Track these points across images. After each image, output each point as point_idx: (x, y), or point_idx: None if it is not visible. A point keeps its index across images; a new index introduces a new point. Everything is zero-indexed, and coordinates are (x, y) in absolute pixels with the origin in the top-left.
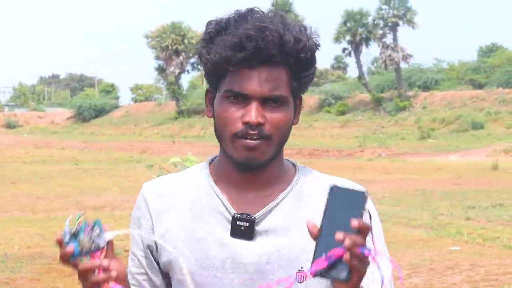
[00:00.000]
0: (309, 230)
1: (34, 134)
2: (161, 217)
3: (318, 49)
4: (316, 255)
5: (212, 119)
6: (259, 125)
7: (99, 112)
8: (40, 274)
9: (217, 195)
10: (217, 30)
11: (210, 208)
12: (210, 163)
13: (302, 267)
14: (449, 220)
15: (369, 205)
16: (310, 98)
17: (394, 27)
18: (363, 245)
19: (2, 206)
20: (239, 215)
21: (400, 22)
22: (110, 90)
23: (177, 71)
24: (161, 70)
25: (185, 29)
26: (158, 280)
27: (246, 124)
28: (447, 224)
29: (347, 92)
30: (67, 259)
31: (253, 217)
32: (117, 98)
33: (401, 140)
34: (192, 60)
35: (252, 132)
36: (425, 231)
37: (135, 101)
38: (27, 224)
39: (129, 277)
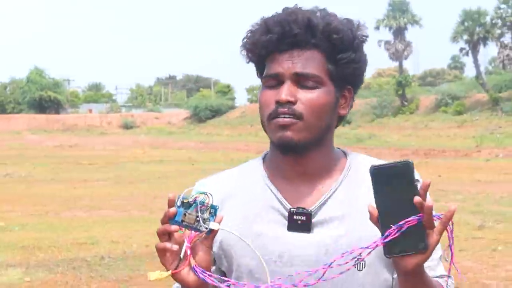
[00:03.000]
0: (369, 213)
1: (150, 135)
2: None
3: (363, 39)
4: (383, 234)
5: None
6: (289, 103)
7: (215, 112)
8: None
9: (271, 191)
10: (255, 29)
11: (266, 204)
12: (264, 158)
13: (360, 255)
14: None
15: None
16: (426, 98)
17: None
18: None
19: (120, 206)
20: (295, 210)
21: None
22: (226, 91)
23: None
24: None
25: None
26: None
27: (277, 103)
28: None
29: (464, 92)
30: (165, 221)
31: (309, 211)
32: (233, 99)
33: None
34: None
35: (283, 109)
36: None
37: (251, 101)
38: (145, 223)
39: None
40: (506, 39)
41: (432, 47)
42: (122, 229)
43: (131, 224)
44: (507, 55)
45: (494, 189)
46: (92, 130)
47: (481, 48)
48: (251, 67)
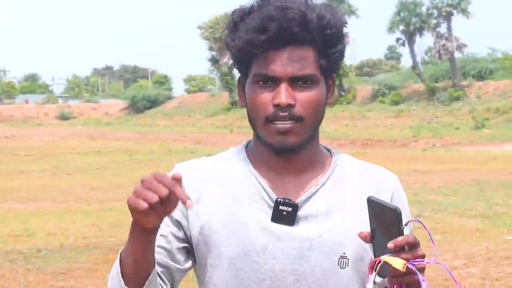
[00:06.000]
0: (361, 238)
1: (88, 126)
2: (200, 198)
3: (345, 26)
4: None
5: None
6: (289, 106)
7: (153, 103)
8: (96, 264)
9: (257, 180)
10: (241, 17)
11: (251, 192)
12: (246, 147)
13: (344, 253)
14: (505, 209)
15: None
16: (363, 88)
17: (448, 17)
18: (409, 259)
19: (57, 197)
20: (282, 200)
21: (454, 12)
22: (163, 81)
23: (230, 61)
24: (214, 61)
25: None
26: (181, 258)
27: (277, 106)
28: (503, 213)
29: (401, 82)
30: None
31: (296, 202)
32: (170, 89)
33: (456, 130)
34: None
35: (283, 114)
36: (481, 221)
37: (188, 92)
38: (83, 215)
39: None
40: (442, 29)
41: (369, 37)
42: (59, 221)
43: (68, 216)
44: (443, 45)
45: (431, 179)
46: (28, 121)
47: (417, 38)
48: (188, 57)
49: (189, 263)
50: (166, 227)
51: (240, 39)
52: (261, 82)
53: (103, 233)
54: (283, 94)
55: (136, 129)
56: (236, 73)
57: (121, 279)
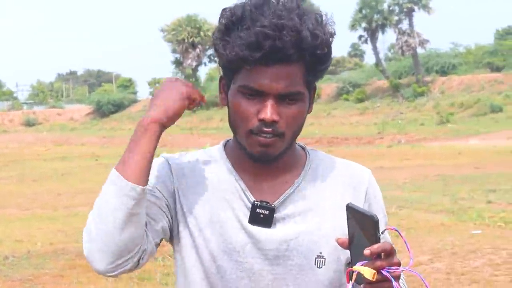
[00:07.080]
0: (339, 244)
1: (53, 131)
2: (185, 190)
3: (333, 37)
4: (352, 264)
5: (227, 107)
6: (273, 122)
7: (118, 107)
8: (63, 270)
9: (236, 181)
10: (233, 22)
11: (230, 192)
12: (224, 146)
13: (321, 252)
14: (470, 204)
15: (371, 188)
16: (328, 87)
17: (409, 13)
18: (384, 266)
19: (23, 204)
20: (258, 203)
21: (416, 8)
22: (128, 85)
23: (194, 63)
24: (178, 63)
25: (200, 21)
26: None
27: (261, 121)
28: (468, 208)
29: (365, 79)
30: None
31: (272, 205)
32: (135, 92)
33: (420, 125)
34: (209, 52)
35: (267, 129)
36: (446, 216)
37: (153, 95)
38: (49, 221)
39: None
40: (403, 25)
41: None
42: (26, 227)
43: (35, 222)
44: (406, 41)
45: (397, 175)
46: None
47: (380, 35)
48: (152, 60)
49: (163, 233)
50: (157, 200)
51: (232, 51)
52: (247, 93)
53: (69, 238)
54: (269, 111)
55: (102, 134)
56: (200, 75)
57: (129, 182)
